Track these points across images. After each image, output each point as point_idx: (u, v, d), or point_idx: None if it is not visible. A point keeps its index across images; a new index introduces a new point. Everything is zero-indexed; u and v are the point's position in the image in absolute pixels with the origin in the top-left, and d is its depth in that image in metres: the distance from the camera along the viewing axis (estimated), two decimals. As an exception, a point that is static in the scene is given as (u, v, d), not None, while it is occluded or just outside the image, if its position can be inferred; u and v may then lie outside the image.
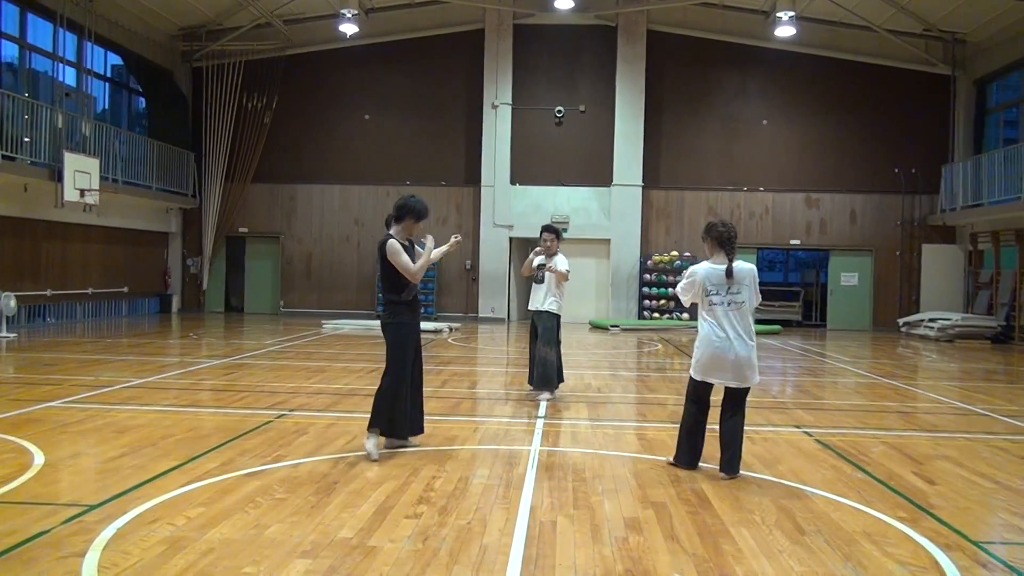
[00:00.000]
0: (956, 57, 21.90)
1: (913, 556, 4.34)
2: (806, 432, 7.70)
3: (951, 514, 5.10)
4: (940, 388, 11.31)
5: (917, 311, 21.93)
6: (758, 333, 19.30)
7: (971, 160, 20.94)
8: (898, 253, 22.66)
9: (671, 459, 6.19)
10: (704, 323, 5.94)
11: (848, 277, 22.93)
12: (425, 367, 12.10)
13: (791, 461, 6.48)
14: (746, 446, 6.94)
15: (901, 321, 21.72)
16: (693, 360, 6.03)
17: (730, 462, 5.85)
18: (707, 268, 5.93)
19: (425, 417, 6.81)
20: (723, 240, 5.89)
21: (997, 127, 22.17)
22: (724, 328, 5.82)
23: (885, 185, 22.52)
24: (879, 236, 22.72)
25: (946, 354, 16.51)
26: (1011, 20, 19.69)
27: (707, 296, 5.88)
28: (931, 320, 20.19)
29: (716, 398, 6.09)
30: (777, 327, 21.41)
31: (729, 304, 5.84)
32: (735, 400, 5.98)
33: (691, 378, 6.05)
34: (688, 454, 6.08)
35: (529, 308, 9.35)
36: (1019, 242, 18.96)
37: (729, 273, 5.81)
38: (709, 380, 5.96)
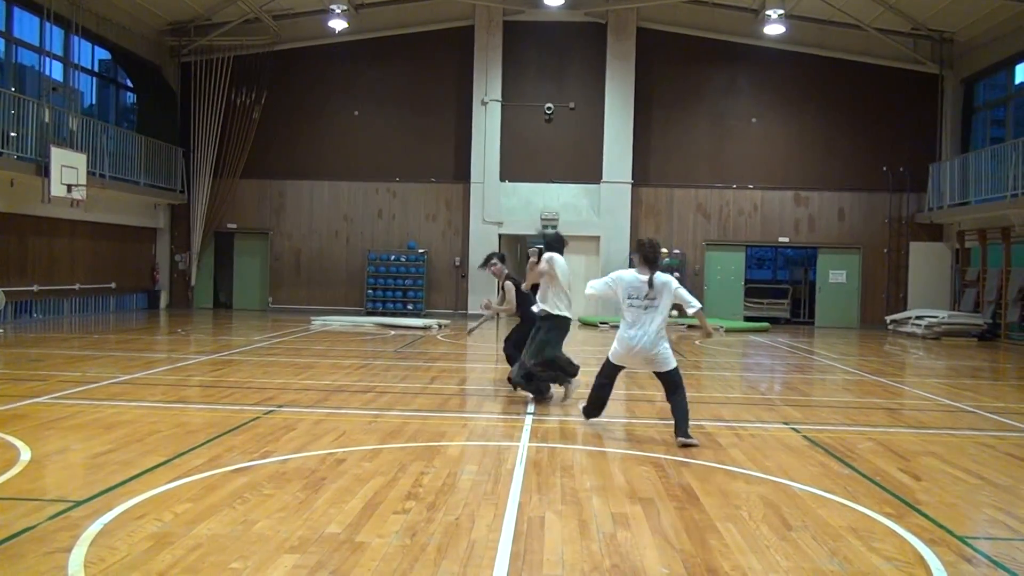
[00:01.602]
0: (944, 56, 22.01)
1: (899, 551, 4.37)
2: (794, 428, 7.73)
3: (937, 510, 5.14)
4: (927, 385, 11.38)
5: (904, 309, 22.06)
6: (747, 330, 19.37)
7: (958, 159, 21.05)
8: (886, 251, 22.77)
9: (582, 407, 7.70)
10: (623, 322, 7.04)
11: (836, 275, 23.03)
12: (413, 364, 12.14)
13: (778, 457, 6.51)
14: (734, 442, 7.02)
15: (888, 319, 21.84)
16: (612, 348, 7.17)
17: (680, 428, 6.85)
18: (632, 277, 7.03)
19: (413, 414, 7.42)
20: (648, 258, 6.99)
21: (984, 126, 22.29)
22: (640, 327, 6.90)
23: (873, 183, 22.61)
24: (867, 234, 22.82)
25: (933, 351, 16.60)
26: (998, 19, 19.79)
27: (627, 299, 6.98)
28: (918, 318, 20.30)
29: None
30: (766, 324, 21.49)
31: (647, 308, 6.92)
32: (668, 382, 7.01)
33: (608, 359, 7.26)
34: (596, 411, 7.61)
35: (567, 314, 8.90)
36: (1005, 240, 19.07)
37: (651, 284, 6.90)
38: (623, 365, 7.20)
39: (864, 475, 5.99)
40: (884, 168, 22.50)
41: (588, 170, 22.75)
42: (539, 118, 23.07)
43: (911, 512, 5.08)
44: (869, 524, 4.83)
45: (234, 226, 23.87)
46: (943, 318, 19.62)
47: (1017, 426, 8.21)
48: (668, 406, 8.66)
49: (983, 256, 20.34)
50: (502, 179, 22.81)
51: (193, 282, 23.79)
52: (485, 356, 14.36)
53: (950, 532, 4.70)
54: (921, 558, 4.27)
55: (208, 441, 6.51)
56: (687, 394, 7.07)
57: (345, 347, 14.47)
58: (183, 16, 22.75)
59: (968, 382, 11.99)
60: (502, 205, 22.72)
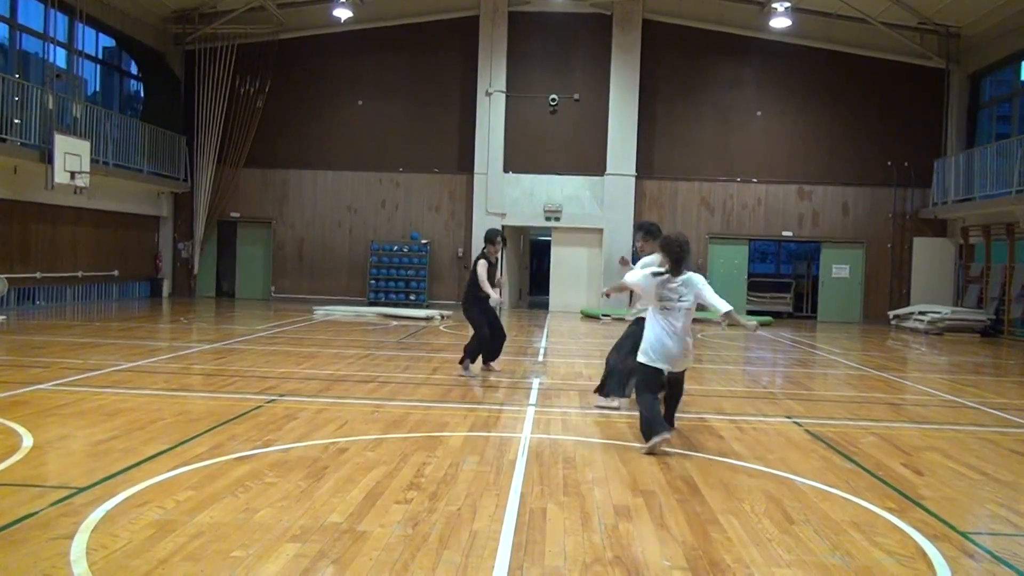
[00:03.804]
0: (950, 51, 21.92)
1: (901, 546, 4.37)
2: (796, 422, 7.72)
3: (939, 505, 5.13)
4: (929, 380, 11.36)
5: (907, 304, 22.02)
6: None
7: (963, 154, 20.98)
8: (889, 246, 22.72)
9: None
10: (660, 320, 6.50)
11: (839, 269, 22.99)
12: (415, 354, 12.14)
13: (781, 451, 6.50)
14: (736, 436, 7.02)
15: (891, 314, 21.80)
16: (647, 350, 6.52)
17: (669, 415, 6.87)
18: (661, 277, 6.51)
19: (416, 404, 7.35)
20: (678, 258, 6.51)
21: (990, 121, 22.21)
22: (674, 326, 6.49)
23: (877, 178, 22.56)
24: (871, 229, 22.77)
25: (935, 347, 16.58)
26: (1005, 15, 19.69)
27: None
28: (921, 313, 20.26)
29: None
30: (768, 318, 21.48)
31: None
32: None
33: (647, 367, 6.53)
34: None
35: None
36: (1010, 236, 19.02)
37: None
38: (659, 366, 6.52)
39: (866, 470, 5.98)
40: (889, 163, 22.44)
41: (592, 162, 22.71)
42: (543, 109, 23.01)
43: (913, 507, 5.07)
44: (871, 518, 4.82)
45: (237, 215, 23.86)
46: (946, 314, 19.58)
47: (1020, 422, 8.20)
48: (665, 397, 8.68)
49: (987, 252, 20.29)
50: (506, 170, 22.78)
51: (196, 271, 23.80)
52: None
53: (952, 527, 4.70)
54: (923, 553, 4.26)
55: (210, 429, 6.51)
56: (683, 388, 7.17)
57: (347, 337, 14.47)
58: (187, 3, 22.70)
59: (971, 378, 11.97)
60: (505, 196, 22.68)
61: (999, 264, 19.70)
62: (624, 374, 7.84)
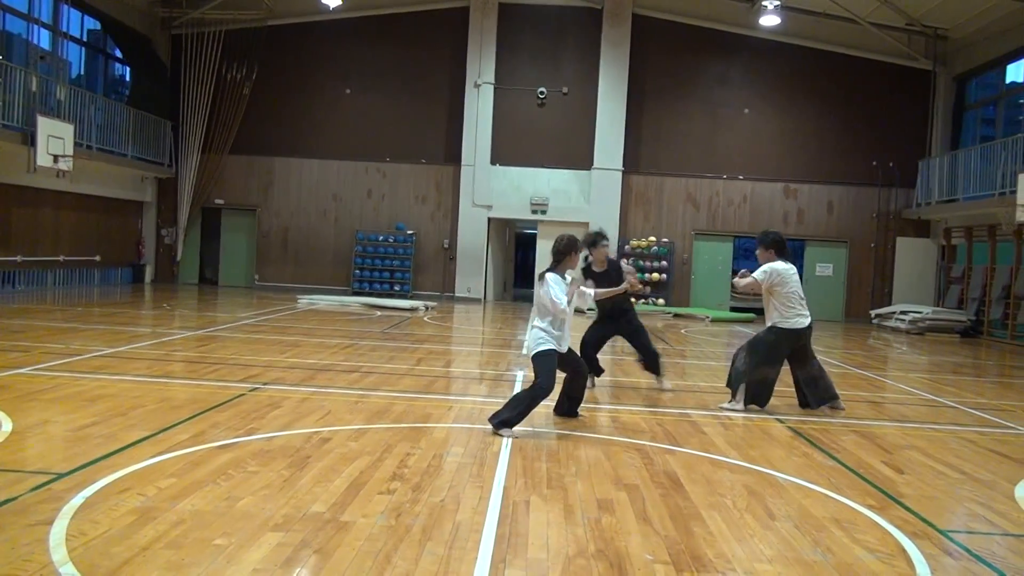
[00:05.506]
0: (937, 53, 22.05)
1: (881, 543, 4.40)
2: (778, 420, 7.76)
3: (919, 503, 5.17)
4: (910, 380, 11.45)
5: (889, 303, 22.18)
6: (733, 320, 19.50)
7: (948, 156, 21.14)
8: (872, 245, 22.87)
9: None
10: None
11: (823, 268, 23.12)
12: (400, 345, 12.11)
13: (763, 448, 6.54)
14: (720, 431, 7.05)
15: (873, 313, 21.96)
16: None
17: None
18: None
19: (399, 394, 7.37)
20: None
21: (975, 124, 22.38)
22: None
23: (862, 177, 22.69)
24: (855, 228, 22.91)
25: (916, 346, 16.72)
26: (992, 18, 19.83)
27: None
28: (902, 313, 20.42)
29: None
30: (751, 315, 21.56)
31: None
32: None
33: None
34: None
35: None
36: (991, 238, 19.18)
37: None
38: None
39: (848, 467, 6.02)
40: (874, 163, 22.57)
41: (579, 156, 22.70)
42: (532, 102, 22.97)
43: (894, 505, 5.11)
44: (852, 516, 4.85)
45: (221, 202, 23.70)
46: (927, 314, 19.74)
47: (998, 422, 8.28)
48: (653, 393, 8.73)
49: (969, 253, 20.46)
50: (493, 162, 22.74)
51: (179, 257, 23.64)
52: (471, 339, 14.37)
53: (932, 525, 4.74)
54: (903, 550, 4.30)
55: (192, 417, 6.47)
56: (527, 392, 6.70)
57: (332, 326, 14.42)
58: (175, -13, 22.48)
59: (950, 378, 12.07)
60: (492, 189, 22.65)
61: (980, 266, 19.87)
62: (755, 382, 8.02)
